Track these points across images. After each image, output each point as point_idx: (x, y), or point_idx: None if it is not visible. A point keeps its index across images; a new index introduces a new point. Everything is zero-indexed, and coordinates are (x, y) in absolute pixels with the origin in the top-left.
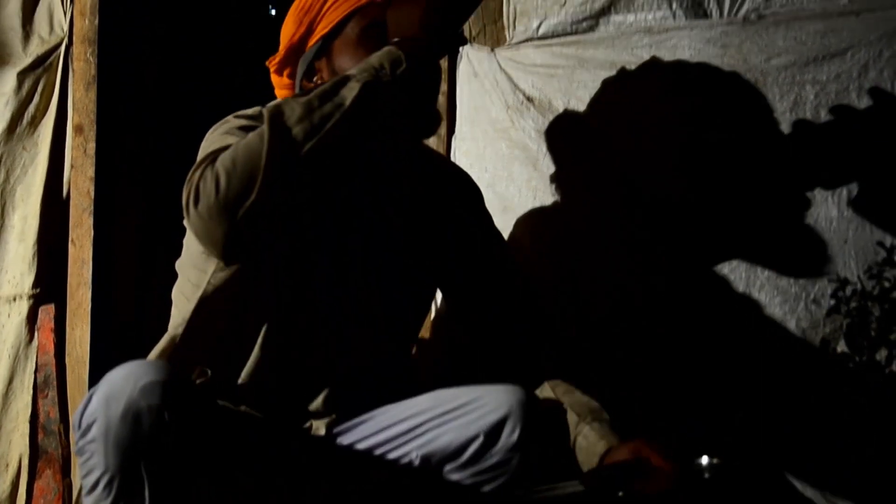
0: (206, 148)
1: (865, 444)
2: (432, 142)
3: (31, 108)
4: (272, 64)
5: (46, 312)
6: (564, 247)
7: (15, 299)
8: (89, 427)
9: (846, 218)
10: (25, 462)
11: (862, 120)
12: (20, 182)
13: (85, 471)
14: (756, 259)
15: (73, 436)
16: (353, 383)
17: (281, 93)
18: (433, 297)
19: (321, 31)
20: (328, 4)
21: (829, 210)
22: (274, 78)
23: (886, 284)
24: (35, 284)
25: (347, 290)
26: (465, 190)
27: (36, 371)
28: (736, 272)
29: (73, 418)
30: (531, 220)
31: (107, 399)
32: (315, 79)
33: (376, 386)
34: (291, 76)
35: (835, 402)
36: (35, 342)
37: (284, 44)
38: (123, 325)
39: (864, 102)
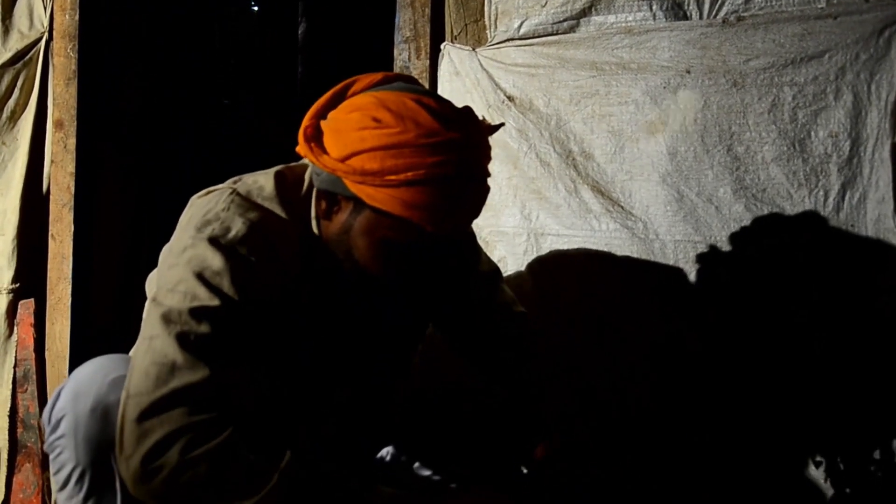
0: (164, 286)
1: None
2: None
3: (11, 103)
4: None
5: (26, 307)
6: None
7: None
8: (58, 423)
9: (822, 219)
10: (4, 456)
11: (837, 122)
12: (0, 177)
13: (56, 467)
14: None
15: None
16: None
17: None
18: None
19: (361, 184)
20: (392, 174)
21: (805, 211)
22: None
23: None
24: (14, 279)
25: (331, 363)
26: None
27: (15, 366)
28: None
29: (43, 415)
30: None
31: (75, 395)
32: (333, 211)
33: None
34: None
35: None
36: (14, 337)
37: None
38: (104, 321)
39: (841, 104)
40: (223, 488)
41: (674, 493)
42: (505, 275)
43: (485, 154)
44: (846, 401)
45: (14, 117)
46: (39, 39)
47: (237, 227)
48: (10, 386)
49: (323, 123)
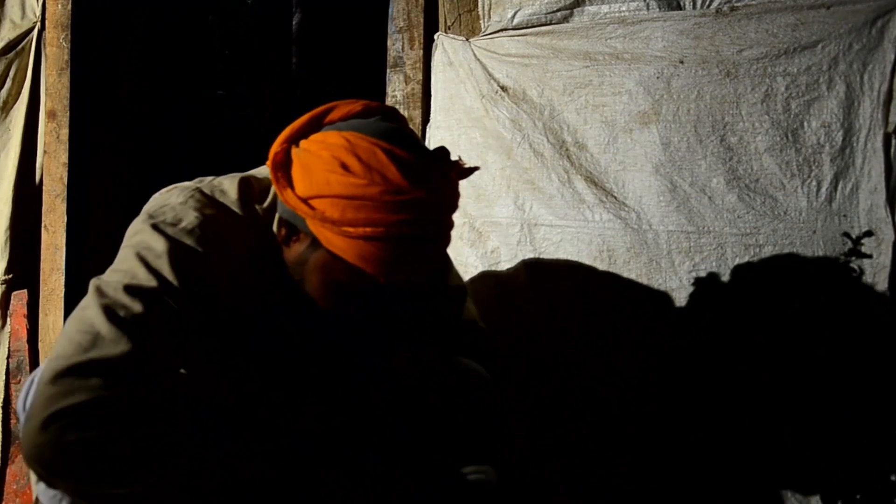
0: (123, 261)
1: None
2: None
3: (3, 94)
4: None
5: (19, 298)
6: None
7: None
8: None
9: (815, 209)
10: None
11: (830, 112)
12: None
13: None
14: (727, 248)
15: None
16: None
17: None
18: None
19: (320, 227)
20: (350, 226)
21: (798, 201)
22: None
23: (853, 274)
24: (7, 270)
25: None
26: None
27: (8, 357)
28: (708, 260)
29: (17, 405)
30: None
31: None
32: (292, 240)
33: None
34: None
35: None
36: (7, 328)
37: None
38: None
39: (833, 94)
40: (105, 470)
41: (674, 493)
42: (498, 265)
43: (449, 210)
44: (848, 397)
45: (6, 107)
46: (32, 29)
47: (189, 218)
48: (3, 377)
49: (294, 151)
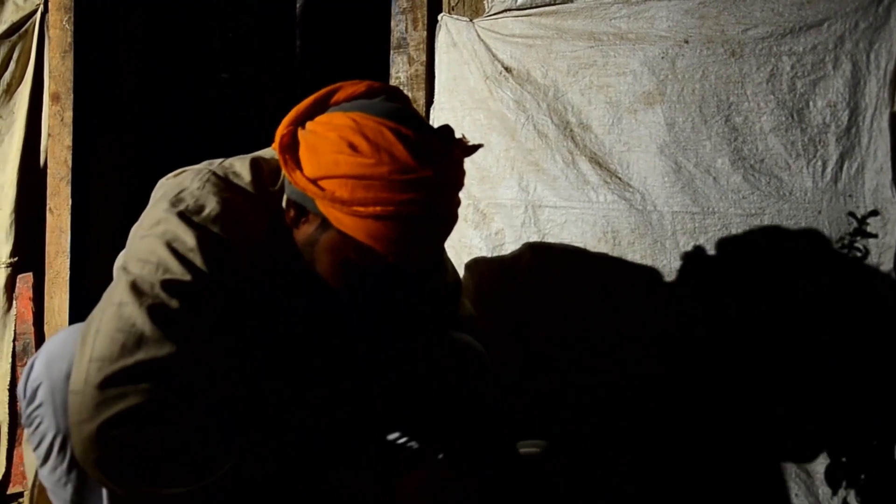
0: (134, 254)
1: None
2: None
3: (7, 76)
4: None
5: (24, 281)
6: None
7: None
8: (35, 392)
9: (820, 189)
10: (5, 429)
11: (836, 92)
12: None
13: (36, 440)
14: (732, 228)
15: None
16: None
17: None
18: None
19: (330, 207)
20: (360, 205)
21: (803, 181)
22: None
23: (858, 254)
24: (13, 253)
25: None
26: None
27: (14, 339)
28: (713, 241)
29: (18, 389)
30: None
31: (49, 362)
32: (301, 221)
33: None
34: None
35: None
36: (13, 311)
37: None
38: (102, 294)
39: (839, 73)
40: (167, 470)
41: (676, 491)
42: (503, 247)
43: (455, 189)
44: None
45: (10, 90)
46: (35, 11)
47: (211, 205)
48: (10, 359)
49: (301, 133)
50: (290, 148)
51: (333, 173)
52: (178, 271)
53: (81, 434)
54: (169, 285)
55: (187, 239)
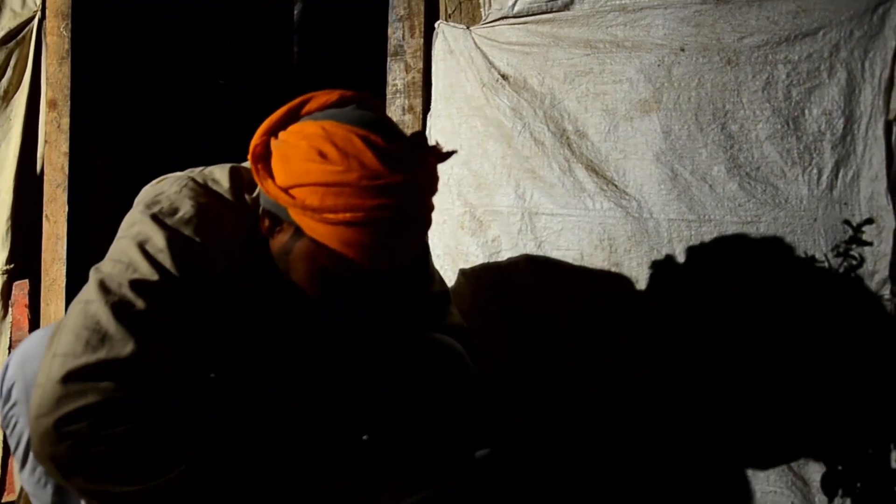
0: (121, 249)
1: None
2: (408, 119)
3: (4, 83)
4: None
5: (21, 288)
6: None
7: None
8: (10, 392)
9: (816, 197)
10: (1, 436)
11: (831, 100)
12: None
13: (14, 441)
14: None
15: None
16: None
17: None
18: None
19: (302, 215)
20: (331, 212)
21: (799, 189)
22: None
23: (853, 262)
24: (9, 260)
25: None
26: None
27: (10, 347)
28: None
29: None
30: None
31: (22, 361)
32: (276, 230)
33: None
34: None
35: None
36: (9, 317)
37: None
38: None
39: (835, 82)
40: (122, 469)
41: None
42: (499, 254)
43: (428, 193)
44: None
45: (7, 97)
46: (32, 18)
47: (185, 208)
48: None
49: (273, 143)
50: (263, 157)
51: (304, 181)
52: (146, 271)
53: (38, 428)
54: (136, 285)
55: (158, 240)
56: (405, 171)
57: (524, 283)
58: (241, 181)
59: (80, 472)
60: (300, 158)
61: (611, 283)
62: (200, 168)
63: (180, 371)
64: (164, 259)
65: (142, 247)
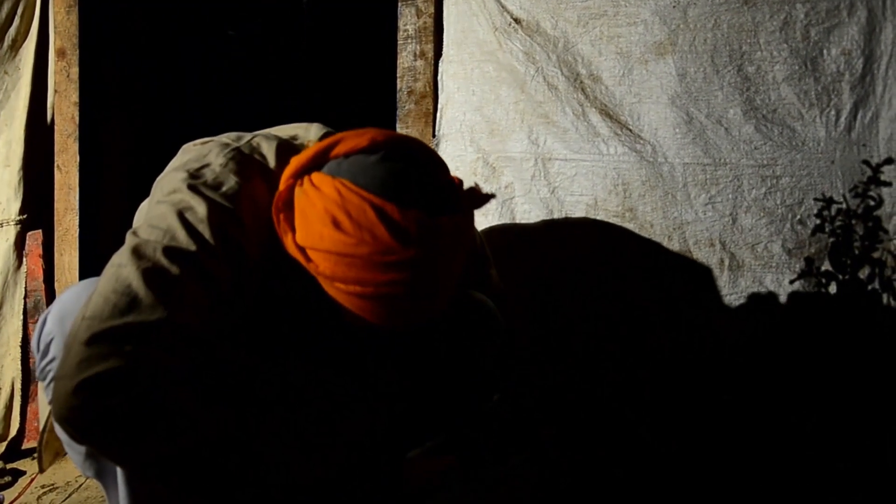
0: (148, 222)
1: None
2: (419, 64)
3: (12, 32)
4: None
5: (34, 238)
6: None
7: (2, 225)
8: (48, 347)
9: (833, 138)
10: (18, 385)
11: (850, 39)
12: (3, 107)
13: (51, 394)
14: (744, 180)
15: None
16: None
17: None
18: None
19: (317, 276)
20: (341, 282)
21: (816, 131)
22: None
23: (871, 203)
24: (22, 210)
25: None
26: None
27: (26, 297)
28: (724, 192)
29: (32, 344)
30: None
31: (61, 316)
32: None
33: None
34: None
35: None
36: (24, 268)
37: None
38: (112, 250)
39: (854, 20)
40: (137, 436)
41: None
42: (512, 200)
43: (449, 262)
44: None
45: (15, 46)
46: None
47: (230, 183)
48: (21, 317)
49: (297, 191)
50: (286, 206)
51: (319, 246)
52: (183, 240)
53: (59, 391)
54: (171, 252)
55: (200, 210)
56: (418, 246)
57: (542, 239)
58: (285, 160)
59: (94, 437)
60: (316, 221)
61: (627, 237)
62: (248, 137)
63: (206, 343)
64: (204, 230)
65: (182, 215)
